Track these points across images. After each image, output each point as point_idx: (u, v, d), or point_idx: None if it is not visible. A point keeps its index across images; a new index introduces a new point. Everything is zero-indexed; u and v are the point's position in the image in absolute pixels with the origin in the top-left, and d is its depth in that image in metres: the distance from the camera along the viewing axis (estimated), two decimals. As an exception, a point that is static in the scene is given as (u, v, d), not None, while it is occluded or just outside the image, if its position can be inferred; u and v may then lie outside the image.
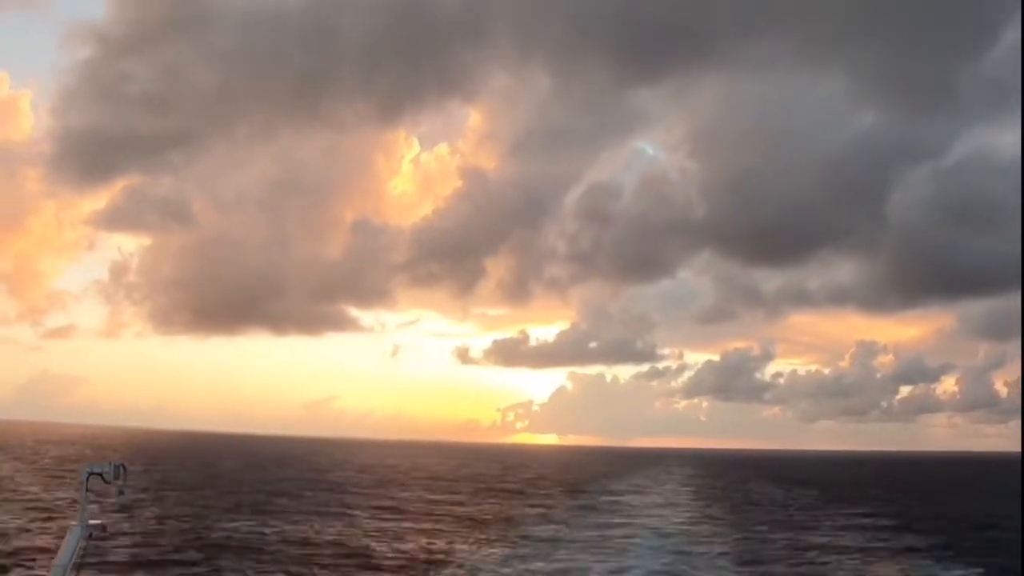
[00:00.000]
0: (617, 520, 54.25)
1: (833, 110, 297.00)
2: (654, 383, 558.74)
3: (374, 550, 38.75)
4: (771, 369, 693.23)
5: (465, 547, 40.17)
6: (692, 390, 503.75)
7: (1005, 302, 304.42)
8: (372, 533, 44.54)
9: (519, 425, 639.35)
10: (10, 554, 33.27)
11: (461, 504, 64.12)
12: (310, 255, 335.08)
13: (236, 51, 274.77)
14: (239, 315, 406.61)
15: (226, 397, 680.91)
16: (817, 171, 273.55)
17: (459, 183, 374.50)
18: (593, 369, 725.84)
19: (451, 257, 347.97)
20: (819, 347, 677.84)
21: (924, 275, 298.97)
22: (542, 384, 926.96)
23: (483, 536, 44.39)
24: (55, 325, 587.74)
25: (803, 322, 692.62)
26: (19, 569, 30.58)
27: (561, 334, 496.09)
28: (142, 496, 56.49)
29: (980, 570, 37.22)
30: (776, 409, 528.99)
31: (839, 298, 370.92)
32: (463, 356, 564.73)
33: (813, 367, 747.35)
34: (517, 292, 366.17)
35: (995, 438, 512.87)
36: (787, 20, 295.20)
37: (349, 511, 55.33)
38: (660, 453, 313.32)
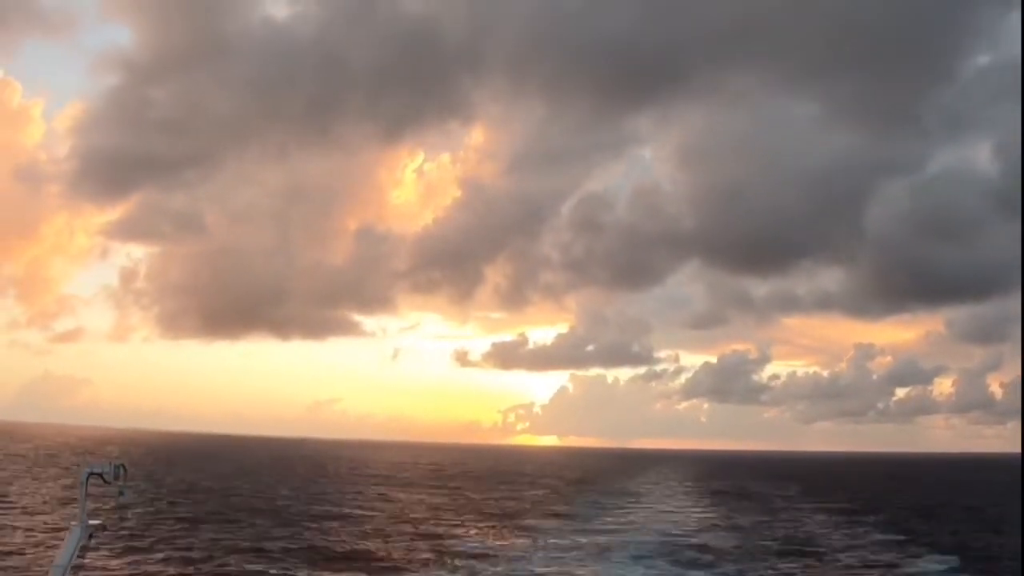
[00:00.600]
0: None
1: (808, 132, 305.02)
2: (652, 384, 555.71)
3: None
4: (768, 371, 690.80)
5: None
6: (689, 392, 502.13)
7: (989, 308, 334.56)
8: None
9: (520, 427, 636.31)
10: (10, 554, 33.35)
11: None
12: (315, 262, 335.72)
13: (252, 78, 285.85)
14: (245, 320, 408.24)
15: (229, 399, 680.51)
16: (797, 186, 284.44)
17: (459, 193, 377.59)
18: (591, 371, 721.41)
19: (451, 264, 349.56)
20: (814, 349, 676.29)
21: (903, 283, 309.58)
22: (543, 386, 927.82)
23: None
24: (63, 329, 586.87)
25: (795, 325, 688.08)
26: (19, 569, 30.63)
27: (559, 337, 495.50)
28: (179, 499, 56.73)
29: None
30: (774, 411, 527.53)
31: (826, 304, 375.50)
32: (462, 359, 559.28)
33: (811, 369, 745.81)
34: (515, 298, 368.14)
35: (994, 439, 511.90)
36: (761, 54, 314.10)
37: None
38: (661, 455, 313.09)
